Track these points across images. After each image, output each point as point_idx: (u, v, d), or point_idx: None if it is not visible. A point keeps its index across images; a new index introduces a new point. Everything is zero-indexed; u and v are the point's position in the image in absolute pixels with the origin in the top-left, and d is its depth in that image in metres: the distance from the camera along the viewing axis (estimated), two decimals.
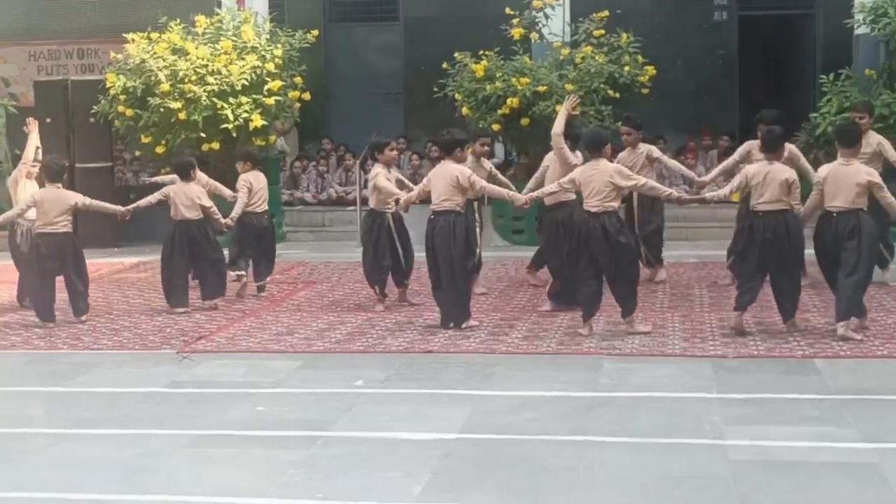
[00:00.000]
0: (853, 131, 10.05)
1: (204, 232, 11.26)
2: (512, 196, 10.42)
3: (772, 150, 9.64)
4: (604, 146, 9.84)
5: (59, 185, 10.89)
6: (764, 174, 9.36)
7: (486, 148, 12.17)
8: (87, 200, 11.10)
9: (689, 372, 8.38)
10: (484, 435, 6.92)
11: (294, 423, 7.28)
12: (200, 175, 11.98)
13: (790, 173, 9.49)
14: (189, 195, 11.20)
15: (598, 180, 9.55)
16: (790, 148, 10.94)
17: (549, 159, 10.98)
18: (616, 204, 9.68)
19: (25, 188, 11.34)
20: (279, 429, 7.15)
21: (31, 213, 10.95)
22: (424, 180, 10.42)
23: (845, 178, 9.27)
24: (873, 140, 11.59)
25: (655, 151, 12.29)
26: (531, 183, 11.24)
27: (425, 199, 10.57)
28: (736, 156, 11.78)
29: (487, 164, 11.79)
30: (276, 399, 7.93)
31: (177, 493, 5.97)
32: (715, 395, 7.71)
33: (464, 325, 9.93)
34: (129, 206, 11.54)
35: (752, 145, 11.41)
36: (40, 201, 10.73)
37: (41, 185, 11.09)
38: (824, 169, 9.70)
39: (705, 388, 7.90)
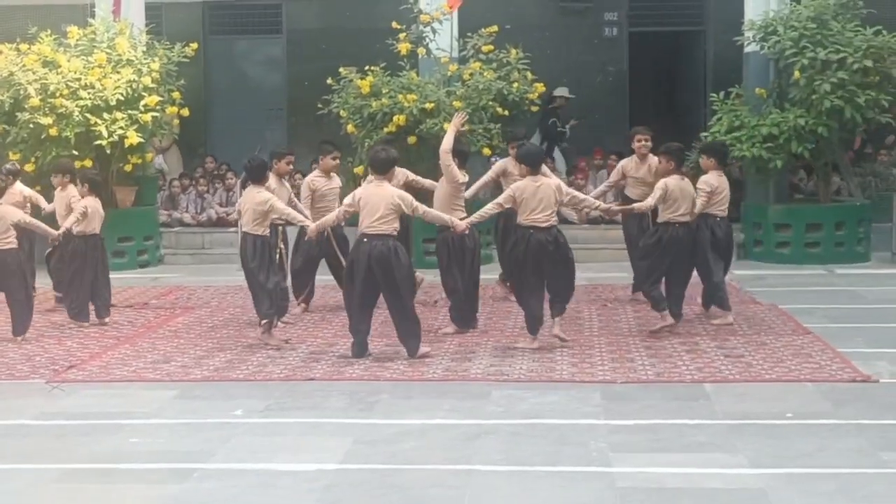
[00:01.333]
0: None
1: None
2: (453, 222, 10.32)
3: (531, 165, 10.13)
4: (542, 162, 10.38)
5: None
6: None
7: (290, 167, 12.23)
8: (27, 219, 11.34)
9: (577, 398, 8.46)
10: (366, 465, 6.91)
11: (169, 455, 7.20)
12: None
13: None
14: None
15: (545, 194, 9.83)
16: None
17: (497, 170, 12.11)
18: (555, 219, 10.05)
19: None
20: (153, 461, 7.07)
21: None
22: (348, 200, 9.98)
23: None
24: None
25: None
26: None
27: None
28: (492, 173, 12.63)
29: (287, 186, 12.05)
30: (151, 430, 7.83)
31: None
32: (602, 422, 7.79)
33: (419, 354, 9.77)
34: (60, 231, 11.63)
35: (507, 162, 12.37)
36: None
37: None
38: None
39: (593, 415, 7.98)
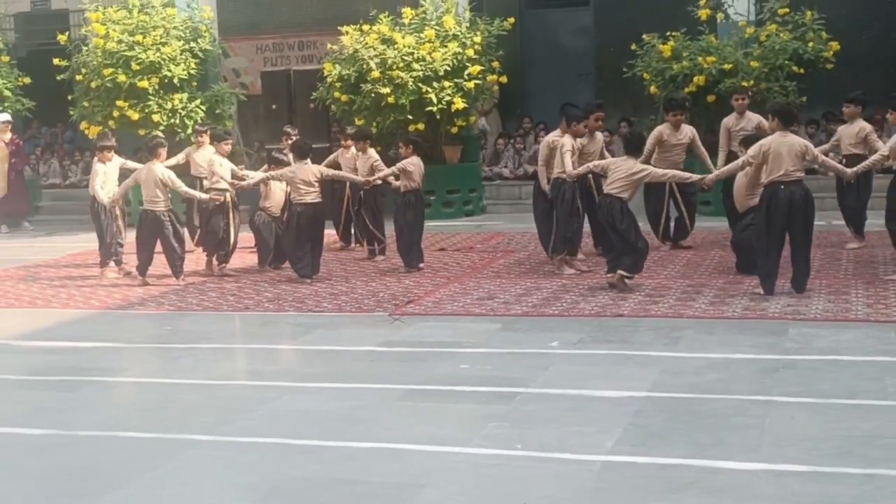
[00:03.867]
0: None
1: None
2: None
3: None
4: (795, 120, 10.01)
5: (307, 161, 11.46)
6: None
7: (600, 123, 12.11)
8: (331, 171, 12.17)
9: (873, 336, 8.08)
10: (672, 394, 6.84)
11: (495, 380, 7.33)
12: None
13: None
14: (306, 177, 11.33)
15: (786, 152, 9.34)
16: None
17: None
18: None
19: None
20: (481, 385, 7.21)
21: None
22: (753, 151, 9.61)
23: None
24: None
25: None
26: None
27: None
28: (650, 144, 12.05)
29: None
30: (479, 358, 7.99)
31: (388, 441, 6.09)
32: None
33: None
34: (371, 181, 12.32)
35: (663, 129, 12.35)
36: (292, 177, 11.31)
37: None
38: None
39: (890, 353, 7.61)
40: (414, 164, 11.82)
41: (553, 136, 11.32)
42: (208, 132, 13.35)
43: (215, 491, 5.50)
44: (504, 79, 17.07)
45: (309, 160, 11.48)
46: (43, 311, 10.64)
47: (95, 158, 12.53)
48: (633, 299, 9.77)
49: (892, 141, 10.17)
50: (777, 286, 9.67)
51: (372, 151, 12.87)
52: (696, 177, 10.57)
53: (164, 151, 11.79)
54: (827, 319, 8.71)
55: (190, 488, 5.56)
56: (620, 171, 10.09)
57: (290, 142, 13.15)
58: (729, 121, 12.70)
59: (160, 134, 14.54)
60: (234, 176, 12.07)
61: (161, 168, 11.56)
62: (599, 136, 12.06)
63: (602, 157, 11.69)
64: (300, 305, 10.28)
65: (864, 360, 7.46)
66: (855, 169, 10.29)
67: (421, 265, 11.85)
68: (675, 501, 5.09)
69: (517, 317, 9.37)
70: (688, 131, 12.32)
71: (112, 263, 12.25)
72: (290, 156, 12.50)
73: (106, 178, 12.16)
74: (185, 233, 12.20)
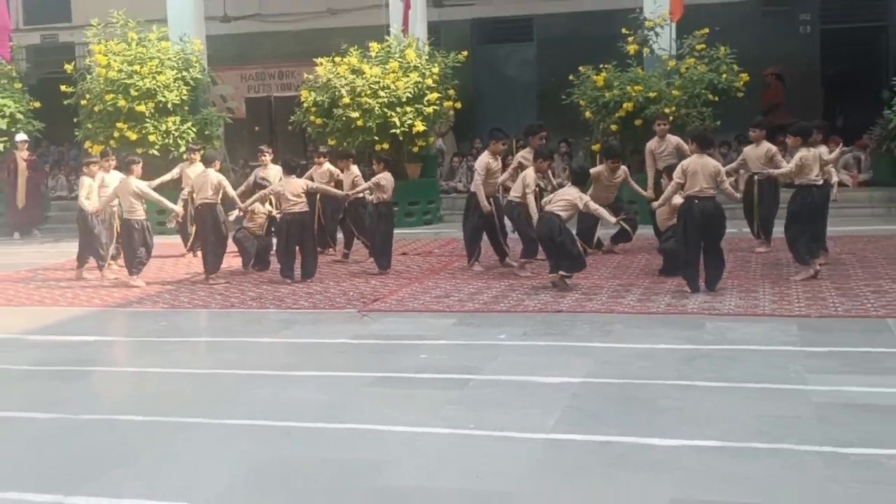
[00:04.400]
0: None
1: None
2: None
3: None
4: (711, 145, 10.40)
5: (293, 176, 11.44)
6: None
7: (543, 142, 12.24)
8: (316, 185, 12.11)
9: (778, 329, 8.15)
10: (605, 379, 6.87)
11: (451, 368, 7.33)
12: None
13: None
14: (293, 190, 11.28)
15: (702, 171, 9.49)
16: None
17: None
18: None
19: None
20: (439, 373, 7.21)
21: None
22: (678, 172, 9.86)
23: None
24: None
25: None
26: None
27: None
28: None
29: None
30: (437, 349, 7.99)
31: (360, 423, 6.08)
32: (799, 349, 7.50)
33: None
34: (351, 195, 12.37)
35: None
36: (281, 190, 11.27)
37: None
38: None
39: (791, 343, 7.69)
40: (386, 178, 11.78)
41: (486, 157, 11.53)
42: (201, 151, 13.26)
43: (208, 469, 5.46)
44: (458, 105, 17.09)
45: (294, 175, 11.45)
46: (49, 309, 10.50)
47: (82, 172, 12.48)
48: (570, 297, 9.80)
49: (795, 160, 10.28)
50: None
51: (354, 168, 12.84)
52: (613, 219, 10.58)
53: (137, 168, 11.61)
54: (739, 315, 8.78)
55: (185, 467, 5.51)
56: (566, 195, 10.18)
57: (263, 158, 13.18)
58: (652, 143, 12.80)
59: (136, 155, 14.40)
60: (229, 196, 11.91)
61: (135, 181, 11.45)
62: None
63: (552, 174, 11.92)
64: (280, 303, 10.21)
65: (770, 349, 7.53)
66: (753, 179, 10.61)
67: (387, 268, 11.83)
68: (608, 474, 5.12)
69: (470, 313, 9.36)
70: (621, 172, 12.34)
71: (99, 263, 12.10)
72: (268, 170, 12.52)
73: (90, 190, 12.06)
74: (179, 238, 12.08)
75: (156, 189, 12.20)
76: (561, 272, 10.10)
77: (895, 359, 7.11)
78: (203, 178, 11.55)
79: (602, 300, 9.61)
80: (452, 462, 5.38)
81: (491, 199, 11.40)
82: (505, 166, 11.86)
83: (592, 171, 12.08)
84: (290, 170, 11.49)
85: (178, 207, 11.95)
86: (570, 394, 6.51)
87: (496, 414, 6.16)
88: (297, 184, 11.35)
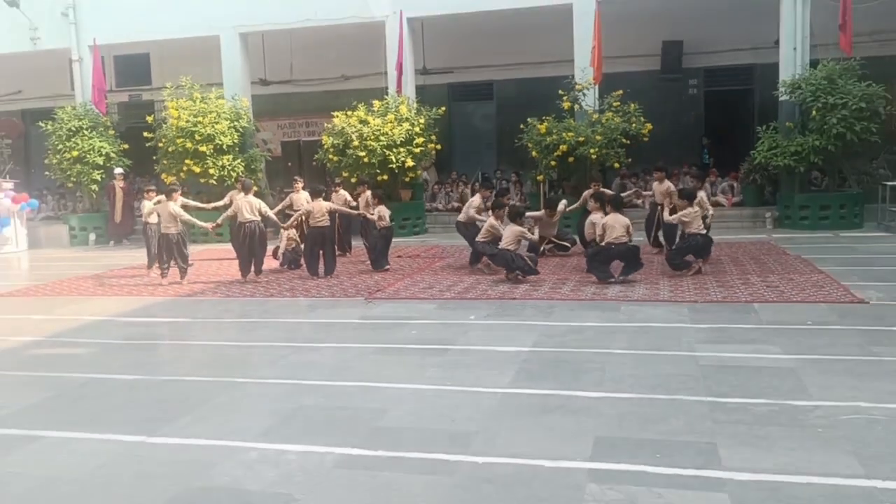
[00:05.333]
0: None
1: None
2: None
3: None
4: (622, 205, 10.41)
5: (320, 199, 11.33)
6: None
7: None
8: (338, 207, 11.96)
9: (673, 311, 8.21)
10: (547, 348, 6.90)
11: (433, 340, 7.35)
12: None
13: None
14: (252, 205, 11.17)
15: (617, 225, 9.84)
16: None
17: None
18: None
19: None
20: (424, 344, 7.22)
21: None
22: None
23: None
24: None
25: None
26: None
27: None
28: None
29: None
30: (423, 327, 7.99)
31: (365, 381, 6.09)
32: (689, 325, 7.54)
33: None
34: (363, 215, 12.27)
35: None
36: (310, 209, 11.20)
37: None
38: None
39: (684, 321, 7.74)
40: (384, 210, 11.86)
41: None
42: (242, 182, 13.04)
43: (252, 415, 5.46)
44: (439, 146, 17.08)
45: (321, 198, 11.38)
46: (135, 298, 10.42)
47: (143, 196, 12.40)
48: (522, 288, 9.82)
49: (680, 215, 10.21)
50: (613, 279, 9.88)
51: (368, 193, 12.76)
52: (530, 256, 10.49)
53: (177, 195, 11.39)
54: (645, 300, 8.83)
55: (235, 413, 5.50)
56: (511, 233, 10.30)
57: (297, 185, 12.99)
58: (655, 184, 12.33)
59: (176, 183, 14.13)
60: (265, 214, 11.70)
61: (173, 205, 11.20)
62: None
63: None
64: (307, 293, 10.18)
65: (668, 326, 7.58)
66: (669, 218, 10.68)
67: (388, 267, 11.78)
68: (548, 418, 5.14)
69: (448, 300, 9.36)
70: (557, 215, 12.31)
71: (155, 267, 11.95)
72: (300, 194, 12.45)
73: (146, 208, 12.02)
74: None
75: (210, 210, 12.15)
76: (517, 272, 10.16)
77: (758, 332, 7.18)
78: (246, 201, 11.40)
79: (545, 290, 9.64)
80: (434, 409, 5.39)
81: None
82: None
83: (535, 214, 12.39)
84: (317, 193, 11.37)
85: (204, 224, 11.57)
86: (521, 359, 6.54)
87: (466, 374, 6.18)
88: (323, 205, 11.26)
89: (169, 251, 11.29)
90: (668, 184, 12.24)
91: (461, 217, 12.00)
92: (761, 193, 16.11)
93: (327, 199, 12.46)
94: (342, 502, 4.07)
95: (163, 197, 11.58)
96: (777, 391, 5.46)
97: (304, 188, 13.16)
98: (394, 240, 12.61)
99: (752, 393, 5.44)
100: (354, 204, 12.72)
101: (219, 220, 11.72)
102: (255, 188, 12.15)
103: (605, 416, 5.08)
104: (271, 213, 11.70)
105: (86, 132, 17.98)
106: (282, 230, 12.13)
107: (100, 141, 17.94)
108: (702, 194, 11.06)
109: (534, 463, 4.40)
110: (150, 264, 12.21)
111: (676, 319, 7.80)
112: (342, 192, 13.19)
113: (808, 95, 14.39)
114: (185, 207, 11.84)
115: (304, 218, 11.60)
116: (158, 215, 11.46)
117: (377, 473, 4.37)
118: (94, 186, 17.98)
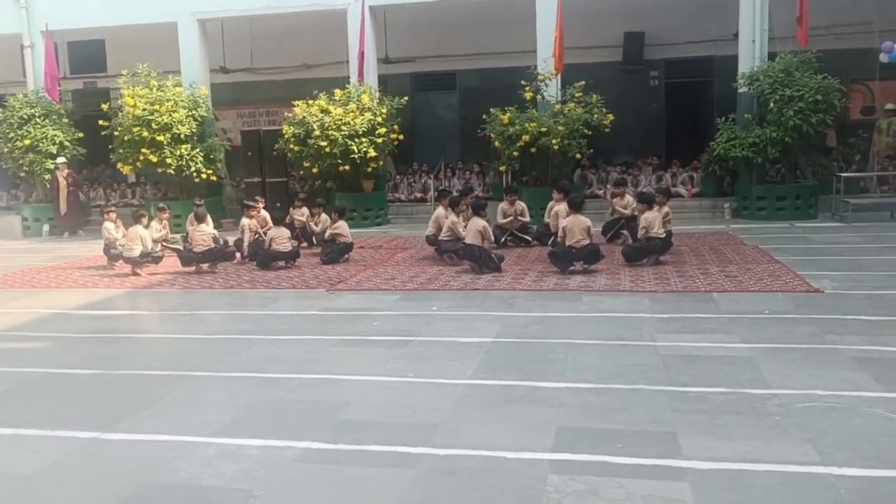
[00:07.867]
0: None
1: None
2: None
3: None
4: (582, 207, 10.37)
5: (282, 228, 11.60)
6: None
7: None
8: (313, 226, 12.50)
9: (635, 301, 8.28)
10: (509, 339, 6.90)
11: (395, 331, 7.31)
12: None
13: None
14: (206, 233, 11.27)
15: (577, 227, 9.90)
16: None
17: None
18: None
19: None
20: (387, 335, 7.18)
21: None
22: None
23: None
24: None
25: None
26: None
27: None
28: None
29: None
30: (385, 318, 7.95)
31: (327, 374, 6.04)
32: (650, 315, 7.61)
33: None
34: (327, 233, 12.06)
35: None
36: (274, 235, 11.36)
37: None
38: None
39: (645, 311, 7.80)
40: (343, 226, 11.85)
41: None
42: (196, 213, 12.13)
43: (211, 409, 5.37)
44: (401, 137, 16.96)
45: (282, 225, 11.73)
46: (91, 290, 10.21)
47: (105, 218, 12.19)
48: (484, 279, 9.82)
49: (642, 220, 10.45)
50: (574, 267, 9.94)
51: (325, 216, 12.83)
52: (496, 255, 10.52)
53: (144, 219, 11.62)
54: (606, 291, 8.88)
55: (194, 408, 5.41)
56: (473, 227, 10.28)
57: (258, 206, 12.79)
58: (553, 204, 12.10)
59: (142, 207, 13.96)
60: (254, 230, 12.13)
61: (141, 229, 11.40)
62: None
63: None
64: (268, 284, 10.08)
65: (629, 316, 7.63)
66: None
67: (346, 257, 11.76)
68: (510, 409, 5.15)
69: (410, 291, 9.33)
70: (518, 206, 12.38)
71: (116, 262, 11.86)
72: (260, 214, 12.50)
73: (108, 230, 11.95)
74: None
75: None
76: (483, 266, 10.19)
77: (717, 322, 7.27)
78: (198, 233, 11.26)
79: (507, 281, 9.65)
80: (396, 401, 5.36)
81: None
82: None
83: (499, 207, 12.48)
84: (277, 222, 11.72)
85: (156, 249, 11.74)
86: (484, 350, 6.53)
87: (429, 365, 6.16)
88: (285, 232, 11.54)
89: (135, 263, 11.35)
90: (628, 198, 12.52)
91: (431, 230, 11.67)
92: (720, 184, 16.32)
93: (286, 214, 12.74)
94: (303, 497, 4.02)
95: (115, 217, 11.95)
96: (735, 380, 5.54)
97: (264, 208, 13.09)
98: (356, 230, 12.55)
99: (711, 382, 5.51)
100: (316, 220, 12.96)
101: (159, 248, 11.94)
102: (257, 208, 12.48)
103: (568, 407, 5.10)
104: (230, 241, 11.83)
105: (38, 120, 17.53)
106: (243, 219, 12.09)
107: (53, 129, 17.51)
108: (665, 209, 11.08)
109: (496, 454, 4.39)
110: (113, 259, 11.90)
111: (637, 309, 7.86)
112: (304, 208, 13.49)
113: (766, 88, 14.61)
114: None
115: (268, 242, 11.44)
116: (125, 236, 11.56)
117: (339, 467, 4.33)
118: (48, 176, 17.56)
